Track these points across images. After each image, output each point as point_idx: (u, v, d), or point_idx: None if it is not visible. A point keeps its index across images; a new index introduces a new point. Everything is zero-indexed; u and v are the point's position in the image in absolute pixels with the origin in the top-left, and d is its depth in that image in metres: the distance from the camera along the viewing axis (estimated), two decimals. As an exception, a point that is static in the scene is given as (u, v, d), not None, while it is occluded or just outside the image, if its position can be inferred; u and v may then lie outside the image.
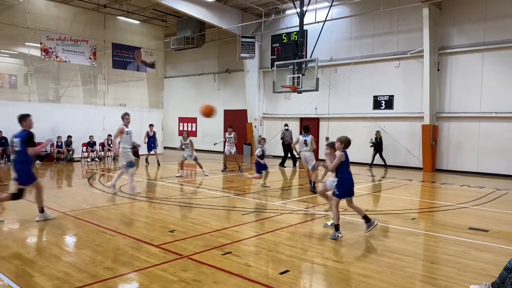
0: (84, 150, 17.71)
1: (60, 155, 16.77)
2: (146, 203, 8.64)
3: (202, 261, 4.96)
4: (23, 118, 6.94)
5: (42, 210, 6.95)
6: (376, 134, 15.94)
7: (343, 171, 6.15)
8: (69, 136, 17.23)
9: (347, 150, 6.20)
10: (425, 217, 7.94)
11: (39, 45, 17.33)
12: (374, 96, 17.06)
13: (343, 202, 6.28)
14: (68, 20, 18.58)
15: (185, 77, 25.27)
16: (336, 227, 6.09)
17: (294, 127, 19.22)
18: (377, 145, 15.78)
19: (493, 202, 9.41)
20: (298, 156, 10.79)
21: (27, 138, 6.75)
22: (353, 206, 6.33)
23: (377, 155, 15.87)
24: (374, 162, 16.05)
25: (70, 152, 17.21)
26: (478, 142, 14.62)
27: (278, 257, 5.20)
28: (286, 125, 17.60)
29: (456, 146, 15.19)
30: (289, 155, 16.82)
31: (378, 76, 16.93)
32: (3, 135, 15.73)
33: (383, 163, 15.80)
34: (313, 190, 9.83)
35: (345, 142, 6.19)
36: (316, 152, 10.55)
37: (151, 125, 16.87)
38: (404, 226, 6.92)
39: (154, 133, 16.78)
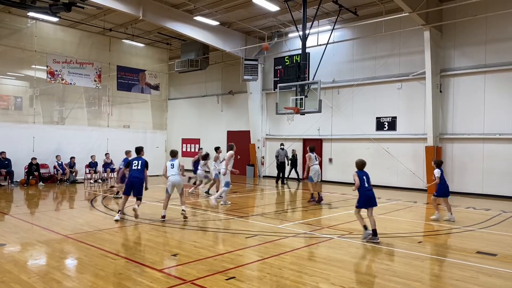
0: (87, 171, 17.68)
1: (63, 177, 16.76)
2: (148, 226, 8.57)
3: (206, 286, 4.87)
4: (141, 149, 9.83)
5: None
6: (292, 152, 18.34)
7: (359, 187, 7.46)
8: (72, 158, 17.22)
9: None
10: (431, 240, 7.81)
11: (45, 68, 17.60)
12: (377, 118, 17.10)
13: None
14: (74, 43, 18.93)
15: (189, 99, 25.46)
16: (365, 227, 7.46)
17: (298, 147, 19.25)
18: (293, 162, 18.26)
19: (499, 225, 9.28)
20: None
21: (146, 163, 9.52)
22: (369, 217, 7.53)
23: (293, 170, 18.38)
24: (289, 176, 18.53)
25: (73, 174, 17.20)
26: (482, 163, 14.54)
27: (283, 282, 5.11)
28: (281, 144, 18.45)
29: (460, 167, 15.11)
30: (280, 175, 18.21)
31: (380, 97, 17.01)
32: (7, 156, 15.74)
33: (296, 176, 18.50)
34: (319, 201, 11.95)
35: (357, 164, 7.69)
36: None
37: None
38: (410, 250, 6.81)
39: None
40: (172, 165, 9.40)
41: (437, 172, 9.52)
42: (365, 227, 7.41)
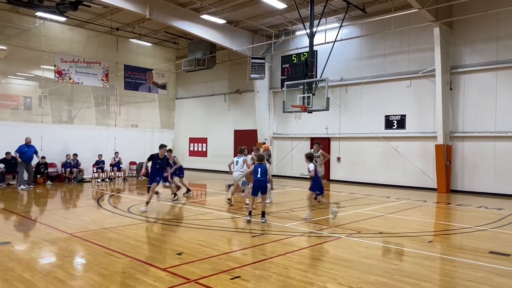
0: (94, 170, 17.69)
1: (71, 176, 16.79)
2: (153, 224, 8.50)
3: (210, 285, 4.78)
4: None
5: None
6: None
7: (254, 176, 8.85)
8: (75, 154, 17.08)
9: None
10: (442, 240, 7.64)
11: (53, 68, 17.67)
12: (385, 116, 16.87)
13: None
14: (82, 43, 19.00)
15: (196, 98, 25.43)
16: (250, 213, 8.87)
17: (305, 147, 19.11)
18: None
19: (512, 224, 9.06)
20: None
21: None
22: (262, 203, 9.01)
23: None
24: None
25: (80, 173, 17.21)
26: (494, 162, 14.25)
27: (289, 282, 4.99)
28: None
29: (471, 166, 14.83)
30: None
31: (389, 95, 16.78)
32: (12, 155, 15.73)
33: None
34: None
35: (256, 157, 9.23)
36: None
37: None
38: (421, 250, 6.65)
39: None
40: (237, 162, 10.60)
41: (311, 166, 9.18)
42: (250, 213, 8.81)
